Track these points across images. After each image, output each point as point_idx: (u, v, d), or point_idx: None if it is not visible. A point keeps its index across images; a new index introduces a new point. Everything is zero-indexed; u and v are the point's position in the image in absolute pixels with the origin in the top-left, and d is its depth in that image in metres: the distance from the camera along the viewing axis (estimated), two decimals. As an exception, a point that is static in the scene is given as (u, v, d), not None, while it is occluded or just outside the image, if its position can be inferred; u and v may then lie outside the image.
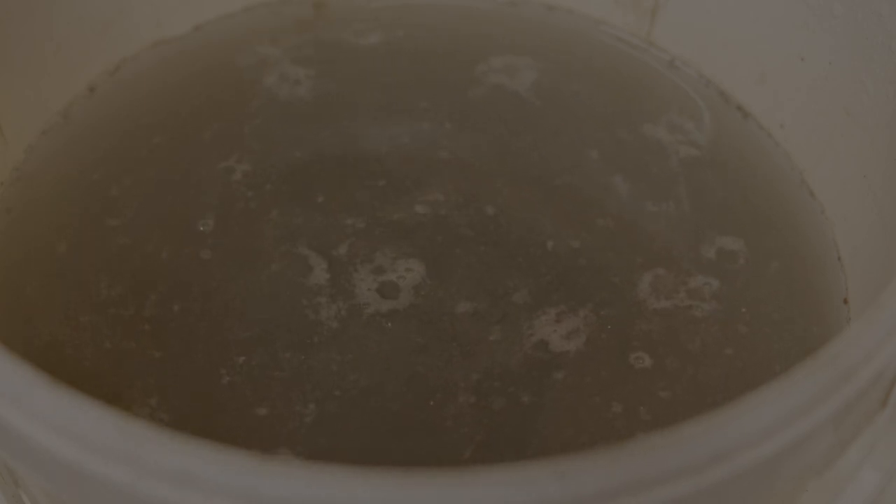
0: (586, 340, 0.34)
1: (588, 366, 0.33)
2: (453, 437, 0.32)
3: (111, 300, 0.35)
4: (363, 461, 0.31)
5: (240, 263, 0.36)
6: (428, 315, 0.34)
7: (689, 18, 0.43)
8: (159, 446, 0.19)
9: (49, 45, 0.40)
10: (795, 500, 0.28)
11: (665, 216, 0.38)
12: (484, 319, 0.34)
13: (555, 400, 0.32)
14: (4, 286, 0.35)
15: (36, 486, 0.26)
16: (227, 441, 0.22)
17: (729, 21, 0.41)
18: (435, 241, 0.37)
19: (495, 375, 0.33)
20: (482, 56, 0.44)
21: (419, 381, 0.33)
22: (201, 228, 0.37)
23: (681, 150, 0.41)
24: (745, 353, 0.34)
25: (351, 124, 0.41)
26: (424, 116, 0.41)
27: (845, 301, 0.36)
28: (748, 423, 0.20)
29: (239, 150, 0.40)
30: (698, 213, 0.38)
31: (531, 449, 0.31)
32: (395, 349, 0.34)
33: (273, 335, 0.34)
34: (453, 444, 0.31)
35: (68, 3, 0.40)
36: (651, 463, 0.20)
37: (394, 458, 0.31)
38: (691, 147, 0.41)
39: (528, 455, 0.31)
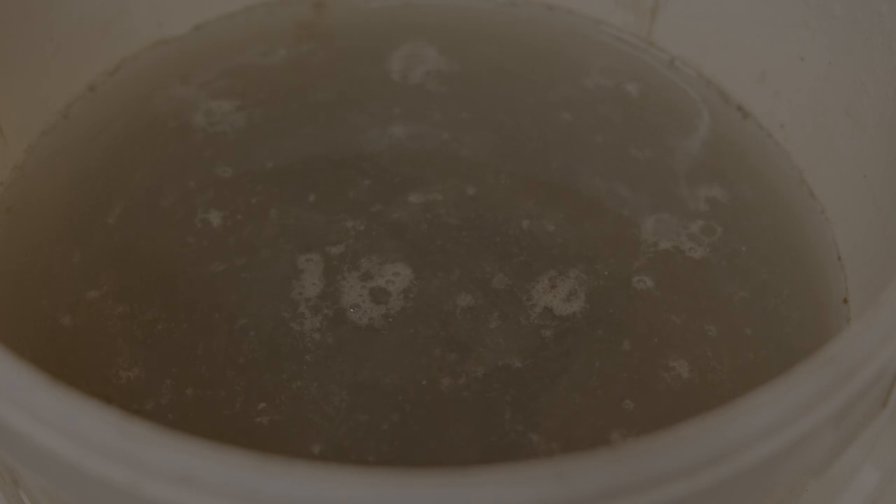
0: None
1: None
2: (489, 407, 0.32)
3: (111, 300, 0.35)
4: (406, 452, 0.31)
5: (236, 257, 0.36)
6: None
7: (689, 18, 0.43)
8: (159, 446, 0.19)
9: (49, 45, 0.40)
10: (795, 499, 0.28)
11: (664, 215, 0.38)
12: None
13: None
14: (4, 286, 0.35)
15: (36, 486, 0.26)
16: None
17: (729, 21, 0.41)
18: (429, 239, 0.37)
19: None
20: (482, 55, 0.44)
21: (446, 368, 0.33)
22: (199, 226, 0.37)
23: (681, 150, 0.41)
24: (746, 361, 0.34)
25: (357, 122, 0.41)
26: (425, 116, 0.42)
27: (845, 301, 0.36)
28: (748, 424, 0.20)
29: (235, 150, 0.40)
30: (697, 212, 0.38)
31: (548, 416, 0.32)
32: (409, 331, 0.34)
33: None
34: (493, 411, 0.32)
35: (68, 3, 0.40)
36: (651, 463, 0.20)
37: (450, 439, 0.32)
38: (691, 147, 0.41)
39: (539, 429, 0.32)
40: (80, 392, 0.20)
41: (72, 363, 0.33)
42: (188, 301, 0.35)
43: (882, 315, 0.23)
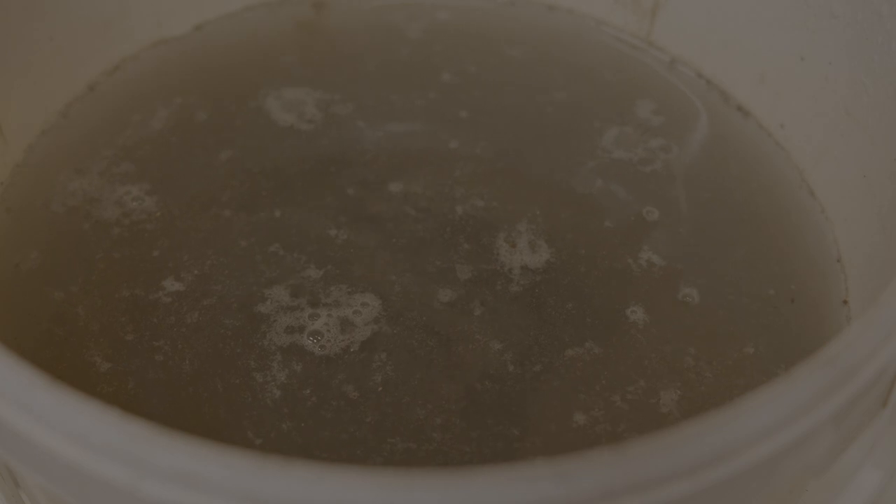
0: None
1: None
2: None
3: (109, 300, 0.35)
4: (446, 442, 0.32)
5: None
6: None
7: (689, 18, 0.43)
8: (159, 446, 0.19)
9: (49, 45, 0.40)
10: (795, 499, 0.28)
11: (661, 213, 0.38)
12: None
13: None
14: (4, 286, 0.35)
15: (36, 486, 0.26)
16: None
17: (729, 21, 0.41)
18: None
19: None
20: (480, 55, 0.44)
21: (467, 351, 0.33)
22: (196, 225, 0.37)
23: (680, 150, 0.41)
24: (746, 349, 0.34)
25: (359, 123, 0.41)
26: (423, 114, 0.42)
27: (845, 302, 0.36)
28: (748, 424, 0.20)
29: (233, 150, 0.40)
30: (698, 212, 0.38)
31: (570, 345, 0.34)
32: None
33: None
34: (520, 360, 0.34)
35: (68, 3, 0.40)
36: (651, 463, 0.20)
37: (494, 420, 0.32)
38: (690, 147, 0.41)
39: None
40: (79, 392, 0.20)
41: (72, 366, 0.33)
42: (186, 316, 0.35)
43: (882, 315, 0.23)
